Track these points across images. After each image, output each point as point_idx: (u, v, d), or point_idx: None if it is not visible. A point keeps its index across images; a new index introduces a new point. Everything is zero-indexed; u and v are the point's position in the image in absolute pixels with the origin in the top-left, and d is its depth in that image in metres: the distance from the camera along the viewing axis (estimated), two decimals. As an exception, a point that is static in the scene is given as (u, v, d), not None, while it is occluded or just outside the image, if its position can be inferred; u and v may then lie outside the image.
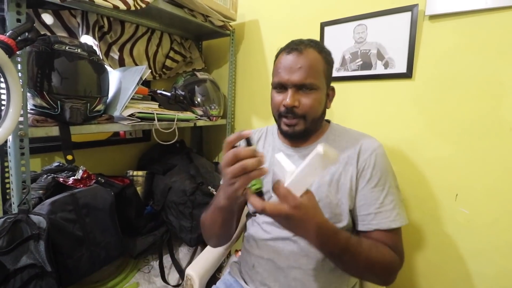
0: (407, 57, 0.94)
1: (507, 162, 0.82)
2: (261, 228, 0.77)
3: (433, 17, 0.90)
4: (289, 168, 0.50)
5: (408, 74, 0.94)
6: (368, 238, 0.65)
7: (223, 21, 1.23)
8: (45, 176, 0.92)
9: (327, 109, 0.75)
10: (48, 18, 1.02)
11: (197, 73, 1.32)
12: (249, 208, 0.83)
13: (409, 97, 0.96)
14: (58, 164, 1.01)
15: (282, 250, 0.71)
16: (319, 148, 0.44)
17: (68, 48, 0.81)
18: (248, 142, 0.52)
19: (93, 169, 1.06)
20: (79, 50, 0.83)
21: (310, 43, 0.69)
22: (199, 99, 1.28)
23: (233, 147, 0.52)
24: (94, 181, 0.95)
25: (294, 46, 0.68)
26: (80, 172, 0.94)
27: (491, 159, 0.84)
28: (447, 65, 0.89)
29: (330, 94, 0.75)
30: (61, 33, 1.06)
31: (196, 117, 1.21)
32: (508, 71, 0.80)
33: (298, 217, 0.48)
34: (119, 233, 0.92)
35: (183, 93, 1.27)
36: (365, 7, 1.01)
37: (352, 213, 0.69)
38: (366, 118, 1.06)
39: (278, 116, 0.72)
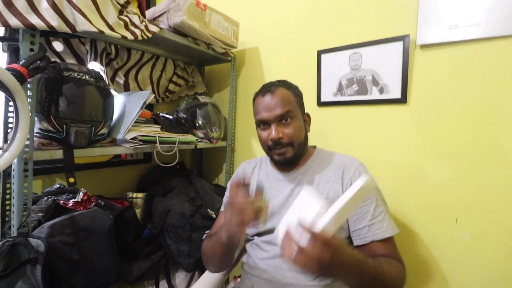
0: (401, 83, 0.98)
1: (504, 186, 0.82)
2: (259, 248, 0.80)
3: (424, 46, 0.94)
4: (322, 203, 0.48)
5: (402, 100, 0.98)
6: (366, 251, 0.68)
7: (225, 48, 1.29)
8: (46, 198, 0.93)
9: (310, 133, 0.87)
10: (58, 46, 1.08)
11: (199, 97, 1.36)
12: (247, 232, 0.84)
13: (404, 121, 0.99)
14: (59, 186, 1.02)
15: (280, 268, 0.73)
16: (361, 180, 0.44)
17: (77, 75, 0.85)
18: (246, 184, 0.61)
19: (93, 191, 1.06)
20: (87, 77, 0.87)
21: (279, 83, 0.82)
22: (200, 122, 1.31)
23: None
24: (94, 203, 0.95)
25: (267, 89, 0.80)
26: (81, 194, 0.94)
27: (489, 183, 0.85)
28: (440, 91, 0.92)
29: (307, 120, 0.87)
30: (70, 60, 1.11)
31: (197, 139, 1.23)
32: (498, 98, 0.83)
33: (338, 261, 0.48)
34: (116, 257, 0.90)
35: (185, 116, 1.31)
36: (360, 37, 1.06)
37: (347, 230, 0.73)
38: (363, 142, 1.08)
39: (268, 149, 0.81)
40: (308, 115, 0.88)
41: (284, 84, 0.83)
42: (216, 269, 0.86)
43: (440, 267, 0.93)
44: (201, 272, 1.14)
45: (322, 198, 0.70)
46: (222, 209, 0.95)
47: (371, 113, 1.06)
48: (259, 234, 0.82)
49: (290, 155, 0.78)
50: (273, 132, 0.77)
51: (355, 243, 0.72)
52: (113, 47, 1.17)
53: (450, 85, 0.91)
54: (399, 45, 0.97)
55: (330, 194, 0.75)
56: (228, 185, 0.95)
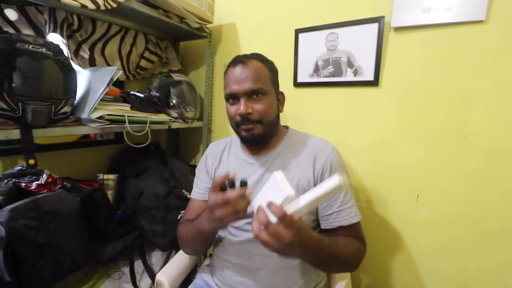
0: (374, 66, 0.99)
1: (462, 166, 0.88)
2: (230, 233, 0.79)
3: (398, 29, 0.95)
4: (288, 192, 0.50)
5: (375, 82, 0.99)
6: (331, 234, 0.71)
7: (199, 23, 1.22)
8: (6, 181, 0.87)
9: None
10: (11, 14, 0.97)
11: (173, 75, 1.30)
12: None
13: (376, 104, 1.01)
14: (20, 167, 0.96)
15: (249, 253, 0.74)
16: (338, 178, 0.45)
17: (32, 47, 0.77)
18: (232, 184, 0.59)
19: (61, 173, 1.02)
20: (43, 50, 0.79)
21: (253, 56, 0.77)
22: (174, 101, 1.26)
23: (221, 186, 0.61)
24: (59, 186, 0.91)
25: (239, 59, 0.75)
26: (44, 176, 0.89)
27: (448, 163, 0.91)
28: (411, 74, 0.95)
29: (280, 99, 0.82)
30: (26, 30, 1.00)
31: (170, 119, 1.20)
32: (466, 83, 0.87)
33: (298, 241, 0.50)
34: (85, 239, 0.88)
35: (158, 94, 1.25)
36: (337, 16, 1.05)
37: (316, 215, 0.74)
38: (338, 123, 1.10)
39: (236, 126, 0.77)
40: (282, 93, 0.83)
41: (258, 57, 0.77)
42: (195, 253, 0.87)
43: (401, 239, 1.00)
44: (177, 250, 1.15)
45: (292, 185, 0.71)
46: (193, 195, 0.90)
47: (346, 94, 1.07)
48: None
49: (258, 132, 0.74)
50: (241, 106, 0.71)
51: (322, 226, 0.74)
52: (75, 17, 1.07)
53: (420, 69, 0.93)
54: (374, 26, 0.97)
55: (301, 181, 0.74)
56: (198, 169, 0.92)
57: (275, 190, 0.52)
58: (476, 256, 0.88)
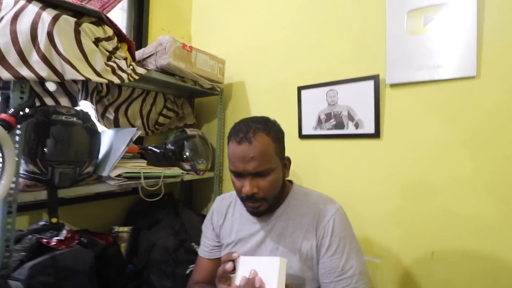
0: (374, 119, 1.03)
1: (474, 220, 0.85)
2: None
3: (393, 85, 1.01)
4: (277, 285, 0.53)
5: (376, 135, 1.02)
6: None
7: (211, 84, 1.36)
8: (30, 236, 0.94)
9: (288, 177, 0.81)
10: (51, 86, 1.13)
11: (187, 130, 1.41)
12: None
13: (378, 155, 1.03)
14: (44, 223, 1.03)
15: None
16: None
17: (65, 117, 0.89)
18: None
19: (80, 225, 1.08)
20: (74, 119, 0.91)
21: (258, 126, 0.70)
22: (187, 154, 1.35)
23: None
24: (76, 241, 0.96)
25: (243, 136, 0.69)
26: (64, 232, 0.96)
27: (460, 216, 0.87)
28: (410, 127, 0.97)
29: (287, 164, 0.78)
30: (63, 98, 1.16)
31: (182, 172, 1.27)
32: (463, 135, 0.88)
33: None
34: (97, 296, 0.90)
35: (173, 148, 1.35)
36: (335, 75, 1.13)
37: (317, 280, 0.71)
38: (342, 174, 1.12)
39: (241, 199, 0.75)
40: (288, 159, 0.79)
41: (263, 128, 0.71)
42: None
43: (421, 301, 0.93)
44: (186, 307, 1.13)
45: (295, 248, 0.72)
46: (200, 253, 0.89)
47: (348, 146, 1.10)
48: None
49: (264, 209, 0.72)
50: (247, 186, 0.68)
51: None
52: (104, 86, 1.24)
53: (418, 121, 0.96)
54: (370, 83, 1.03)
55: (303, 245, 0.71)
56: (205, 225, 0.92)
57: (270, 274, 0.54)
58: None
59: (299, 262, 0.70)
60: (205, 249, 0.88)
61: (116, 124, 1.29)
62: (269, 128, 0.72)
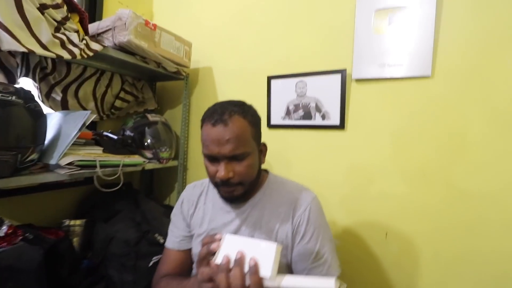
0: (340, 111, 1.08)
1: (423, 202, 0.96)
2: None
3: (358, 80, 1.06)
4: (272, 276, 0.48)
5: (341, 126, 1.08)
6: None
7: (176, 67, 1.27)
8: (-42, 234, 0.80)
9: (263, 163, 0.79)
10: (-19, 57, 0.95)
11: (148, 115, 1.32)
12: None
13: (343, 146, 1.09)
14: (-25, 218, 0.88)
15: None
16: (333, 284, 0.44)
17: (2, 96, 0.76)
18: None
19: (23, 219, 0.95)
20: (13, 98, 0.78)
21: (234, 109, 0.68)
22: (149, 141, 1.26)
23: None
24: (20, 237, 0.85)
25: (219, 117, 0.66)
26: (5, 228, 0.83)
27: (411, 200, 0.98)
28: (372, 120, 1.04)
29: (263, 150, 0.77)
30: (-5, 73, 0.98)
31: (144, 161, 1.19)
32: (418, 128, 0.97)
33: None
34: (46, 296, 0.81)
35: (132, 134, 1.25)
36: (305, 67, 1.15)
37: (289, 268, 0.72)
38: (308, 163, 1.16)
39: (215, 185, 0.73)
40: (264, 145, 0.78)
41: (240, 110, 0.68)
42: None
43: (376, 275, 1.03)
44: (148, 301, 1.09)
45: (270, 237, 0.70)
46: (168, 244, 0.85)
47: (315, 136, 1.14)
48: None
49: (239, 193, 0.70)
50: (222, 171, 0.66)
51: None
52: (49, 61, 1.07)
53: (379, 115, 1.03)
54: (337, 77, 1.07)
55: (279, 234, 0.72)
56: (174, 214, 0.88)
57: (264, 258, 0.49)
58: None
59: None
60: (174, 239, 0.84)
61: (64, 106, 1.14)
62: (245, 111, 0.70)
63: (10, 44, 0.71)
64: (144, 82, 1.48)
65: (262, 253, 0.49)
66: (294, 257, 0.71)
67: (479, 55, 0.89)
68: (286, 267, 0.71)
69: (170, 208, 1.38)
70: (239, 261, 0.49)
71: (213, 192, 0.83)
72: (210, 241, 0.55)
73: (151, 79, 1.52)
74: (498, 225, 0.86)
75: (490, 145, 0.88)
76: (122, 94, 1.35)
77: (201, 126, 0.71)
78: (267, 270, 0.48)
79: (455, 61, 0.92)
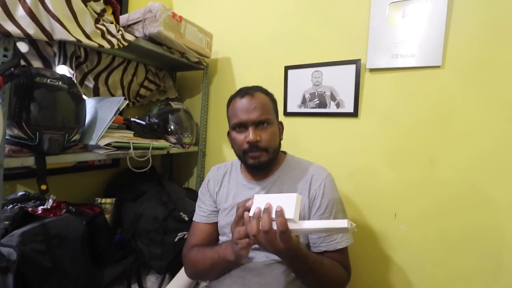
0: (354, 100, 1.14)
1: (430, 186, 1.03)
2: None
3: (372, 70, 1.12)
4: (295, 217, 0.55)
5: (355, 114, 1.14)
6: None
7: (198, 58, 1.34)
8: (11, 206, 0.89)
9: (282, 141, 0.89)
10: (23, 46, 1.03)
11: (171, 103, 1.40)
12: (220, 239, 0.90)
13: (356, 133, 1.15)
14: (23, 193, 0.98)
15: (249, 281, 0.76)
16: (347, 223, 0.51)
17: (50, 81, 0.84)
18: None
19: (59, 197, 1.04)
20: (60, 83, 0.86)
21: (257, 88, 0.83)
22: (172, 127, 1.34)
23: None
24: (64, 210, 0.94)
25: (245, 91, 0.81)
26: (50, 201, 0.93)
27: (420, 184, 1.05)
28: (384, 108, 1.11)
29: (280, 128, 0.88)
30: (35, 61, 1.06)
31: (170, 145, 1.27)
32: (428, 115, 1.03)
33: (286, 253, 0.60)
34: (89, 263, 0.91)
35: (157, 121, 1.33)
36: (321, 57, 1.21)
37: (307, 238, 0.80)
38: (323, 149, 1.23)
39: (243, 153, 0.81)
40: (281, 123, 0.89)
41: (261, 89, 0.84)
42: (207, 279, 0.86)
43: (385, 254, 1.11)
44: (172, 274, 1.18)
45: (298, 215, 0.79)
46: (196, 218, 0.93)
47: (330, 124, 1.21)
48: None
49: (265, 160, 0.79)
50: (250, 134, 0.76)
51: (311, 249, 0.79)
52: (82, 50, 1.15)
53: (392, 103, 1.09)
54: (352, 67, 1.14)
55: None
56: (201, 192, 0.96)
57: (287, 205, 0.57)
58: (446, 265, 1.00)
59: None
60: (202, 214, 0.92)
61: (96, 92, 1.22)
62: (266, 91, 0.85)
63: (61, 34, 0.78)
64: (165, 72, 1.55)
65: (286, 202, 0.58)
66: None
67: (489, 45, 0.94)
68: (303, 237, 0.79)
69: (190, 191, 1.48)
70: (267, 209, 0.58)
71: (236, 172, 0.93)
72: (245, 203, 0.64)
73: (172, 69, 1.59)
74: (500, 204, 0.93)
75: (498, 133, 0.93)
76: (146, 83, 1.44)
77: (228, 106, 0.85)
78: (290, 213, 0.56)
79: (465, 51, 0.97)
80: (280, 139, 0.87)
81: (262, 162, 0.79)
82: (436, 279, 1.02)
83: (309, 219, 0.80)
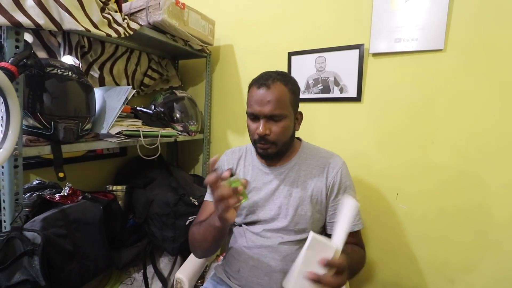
0: (357, 85, 1.16)
1: (431, 167, 1.07)
2: (245, 237, 0.86)
3: (375, 54, 1.13)
4: (336, 246, 0.54)
5: (358, 98, 1.17)
6: None
7: (201, 45, 1.35)
8: (28, 194, 0.93)
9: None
10: (28, 37, 1.04)
11: (176, 91, 1.41)
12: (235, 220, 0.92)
13: (359, 116, 1.18)
14: (39, 181, 1.01)
15: (265, 257, 0.81)
16: (353, 204, 0.54)
17: (60, 71, 0.86)
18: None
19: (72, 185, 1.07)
20: (69, 73, 0.88)
21: (277, 77, 0.79)
22: (178, 115, 1.36)
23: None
24: (80, 197, 0.98)
25: (263, 82, 0.78)
26: (67, 188, 0.96)
27: (420, 165, 1.09)
28: (387, 92, 1.13)
29: (298, 118, 0.87)
30: (39, 52, 1.07)
31: (177, 133, 1.30)
32: (429, 98, 1.06)
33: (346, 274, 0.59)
34: (106, 245, 0.95)
35: (162, 109, 1.35)
36: (324, 43, 1.22)
37: (323, 220, 0.85)
38: (326, 134, 1.26)
39: (254, 142, 0.84)
40: (301, 113, 0.88)
41: (282, 78, 0.79)
42: (204, 253, 0.85)
43: (387, 232, 1.16)
44: (183, 256, 1.24)
45: (306, 194, 0.82)
46: (207, 197, 0.95)
47: (334, 109, 1.24)
48: (246, 224, 0.88)
49: (272, 151, 0.81)
50: (260, 127, 0.77)
51: (328, 231, 0.84)
52: (86, 40, 1.16)
53: (394, 87, 1.12)
54: (355, 52, 1.15)
55: (314, 191, 0.83)
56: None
57: (320, 250, 0.54)
58: (445, 240, 1.06)
59: (310, 205, 0.83)
60: None
61: (101, 82, 1.24)
62: (287, 80, 0.80)
63: (70, 24, 0.79)
64: (167, 61, 1.56)
65: (317, 251, 0.55)
66: (329, 211, 0.85)
67: (490, 29, 0.95)
68: (319, 220, 0.84)
69: (197, 177, 1.52)
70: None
71: (251, 157, 0.95)
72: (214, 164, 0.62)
73: (174, 57, 1.60)
74: (496, 182, 0.97)
75: (498, 116, 0.96)
76: (149, 72, 1.44)
77: (248, 90, 0.84)
78: (327, 252, 0.55)
79: (467, 35, 0.99)
80: (295, 129, 0.87)
81: (270, 154, 0.82)
82: (436, 252, 1.08)
83: (327, 206, 0.84)
